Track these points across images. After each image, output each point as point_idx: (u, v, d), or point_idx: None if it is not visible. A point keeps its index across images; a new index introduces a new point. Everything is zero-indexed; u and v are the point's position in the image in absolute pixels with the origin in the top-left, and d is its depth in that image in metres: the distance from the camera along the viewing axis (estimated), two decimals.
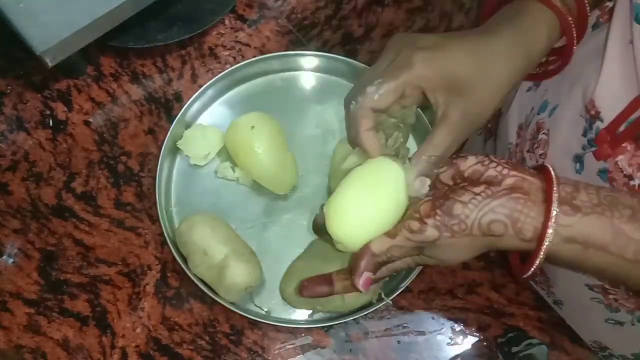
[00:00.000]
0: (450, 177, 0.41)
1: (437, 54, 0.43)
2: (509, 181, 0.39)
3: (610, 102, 0.46)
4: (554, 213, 0.37)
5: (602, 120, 0.46)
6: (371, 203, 0.43)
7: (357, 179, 0.44)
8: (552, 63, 0.52)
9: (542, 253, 0.38)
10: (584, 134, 0.48)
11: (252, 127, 0.59)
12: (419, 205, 0.41)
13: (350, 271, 0.43)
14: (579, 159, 0.49)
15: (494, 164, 0.40)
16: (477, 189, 0.39)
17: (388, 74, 0.43)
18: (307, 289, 0.47)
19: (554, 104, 0.54)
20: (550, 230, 0.37)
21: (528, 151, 0.57)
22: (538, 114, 0.56)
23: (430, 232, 0.40)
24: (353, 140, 0.46)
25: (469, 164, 0.40)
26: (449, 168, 0.41)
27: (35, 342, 0.56)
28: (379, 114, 0.45)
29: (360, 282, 0.43)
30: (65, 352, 0.56)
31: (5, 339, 0.56)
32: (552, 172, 0.39)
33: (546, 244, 0.38)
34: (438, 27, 0.74)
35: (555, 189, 0.38)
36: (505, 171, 0.39)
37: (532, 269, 0.40)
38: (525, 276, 0.41)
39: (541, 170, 0.40)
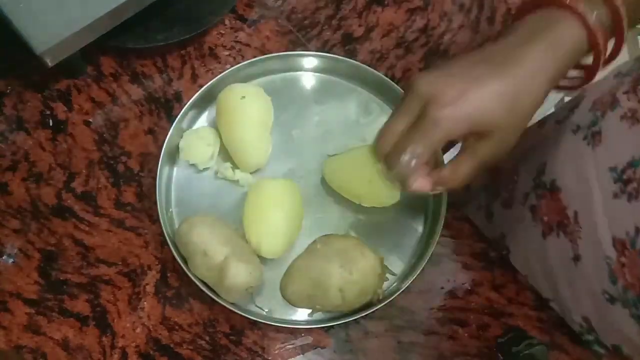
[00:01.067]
0: None
1: (462, 109, 0.43)
2: None
3: None
4: None
5: None
6: None
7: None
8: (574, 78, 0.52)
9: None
10: None
11: (243, 97, 0.60)
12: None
13: None
14: None
15: None
16: None
17: (417, 140, 0.44)
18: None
19: None
20: None
21: None
22: None
23: None
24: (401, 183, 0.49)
25: None
26: None
27: (35, 342, 0.56)
28: None
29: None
30: (65, 352, 0.56)
31: (5, 339, 0.56)
32: None
33: None
34: (438, 27, 0.74)
35: None
36: None
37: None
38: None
39: None
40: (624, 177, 0.51)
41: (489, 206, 0.74)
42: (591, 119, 0.57)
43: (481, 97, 0.43)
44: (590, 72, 0.49)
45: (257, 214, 0.58)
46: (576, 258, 0.58)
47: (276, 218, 0.58)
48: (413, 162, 0.45)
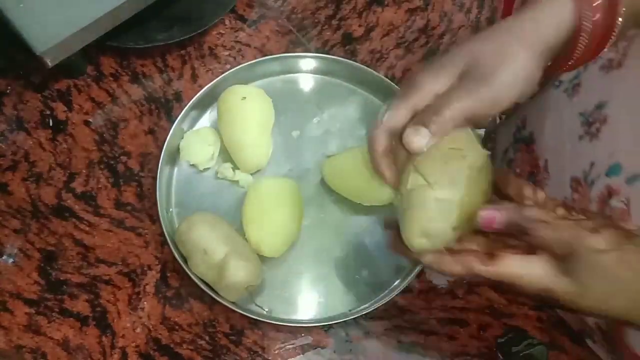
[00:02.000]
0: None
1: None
2: None
3: None
4: None
5: None
6: None
7: None
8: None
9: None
10: None
11: (244, 98, 0.60)
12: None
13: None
14: None
15: None
16: None
17: (400, 94, 0.41)
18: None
19: (632, 172, 0.48)
20: None
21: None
22: (607, 175, 0.51)
23: None
24: (372, 166, 0.43)
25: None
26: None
27: (35, 342, 0.56)
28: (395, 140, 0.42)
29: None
30: (65, 352, 0.56)
31: (5, 339, 0.56)
32: None
33: None
34: (438, 27, 0.74)
35: None
36: None
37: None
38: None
39: None
40: (590, 119, 0.52)
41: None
42: (574, 73, 0.57)
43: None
44: (566, 60, 0.43)
45: (257, 214, 0.58)
46: None
47: (276, 218, 0.58)
48: (387, 112, 0.41)
